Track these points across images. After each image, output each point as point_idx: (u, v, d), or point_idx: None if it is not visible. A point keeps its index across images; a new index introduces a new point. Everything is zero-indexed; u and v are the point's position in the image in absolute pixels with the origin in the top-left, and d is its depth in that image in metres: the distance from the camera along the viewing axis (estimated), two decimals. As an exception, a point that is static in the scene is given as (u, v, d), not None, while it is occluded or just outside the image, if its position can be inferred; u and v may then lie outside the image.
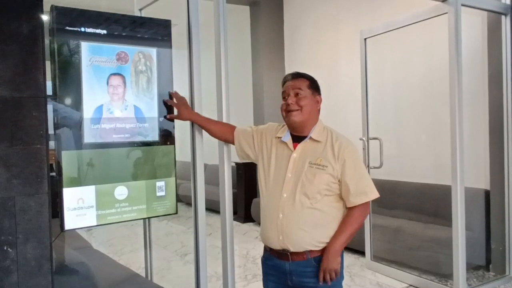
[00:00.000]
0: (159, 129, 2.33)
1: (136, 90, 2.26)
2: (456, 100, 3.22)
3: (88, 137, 2.12)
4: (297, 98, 2.01)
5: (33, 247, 1.67)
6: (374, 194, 2.00)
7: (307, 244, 1.96)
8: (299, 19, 6.36)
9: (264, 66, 6.56)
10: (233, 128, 2.32)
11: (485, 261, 4.02)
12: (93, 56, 2.13)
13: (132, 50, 2.25)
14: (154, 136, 2.32)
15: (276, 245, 2.01)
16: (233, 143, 2.30)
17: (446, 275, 3.74)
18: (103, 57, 2.16)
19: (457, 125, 3.21)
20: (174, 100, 2.35)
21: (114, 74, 2.20)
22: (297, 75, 2.07)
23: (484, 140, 4.00)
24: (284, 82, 2.09)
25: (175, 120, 2.37)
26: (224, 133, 2.33)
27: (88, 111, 2.12)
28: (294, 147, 2.04)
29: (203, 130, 2.39)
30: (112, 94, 2.19)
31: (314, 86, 2.06)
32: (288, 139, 2.07)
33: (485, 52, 3.95)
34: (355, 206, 1.98)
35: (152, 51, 2.32)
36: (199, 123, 2.35)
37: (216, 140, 2.45)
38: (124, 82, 2.22)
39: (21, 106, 1.65)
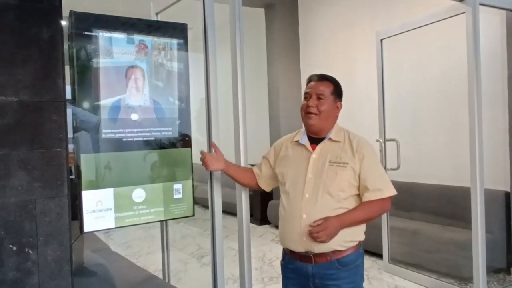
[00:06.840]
0: (178, 130, 2.32)
1: (155, 84, 2.22)
2: (475, 100, 3.17)
3: (106, 133, 2.10)
4: (318, 102, 2.01)
5: (53, 249, 1.68)
6: (390, 191, 1.99)
7: (332, 243, 1.94)
8: (314, 21, 6.34)
9: (280, 68, 6.56)
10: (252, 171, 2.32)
11: (506, 264, 3.94)
12: (111, 48, 2.10)
13: (152, 42, 2.21)
14: (174, 131, 2.29)
15: (299, 247, 1.99)
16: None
17: (465, 278, 3.68)
18: (121, 48, 2.12)
19: (476, 126, 3.16)
20: (213, 150, 2.32)
21: (133, 66, 2.16)
22: (323, 78, 2.07)
23: (503, 141, 3.93)
24: (308, 82, 2.09)
25: (192, 122, 2.37)
26: (251, 180, 2.32)
27: (106, 107, 2.09)
28: (313, 149, 2.05)
29: (219, 130, 2.39)
30: (131, 88, 2.15)
31: (337, 91, 2.07)
32: (305, 141, 2.07)
33: (504, 52, 3.88)
34: (375, 200, 1.97)
35: (173, 44, 2.28)
36: (228, 174, 2.32)
37: (232, 142, 2.46)
38: (143, 75, 2.18)
39: (41, 110, 1.67)
